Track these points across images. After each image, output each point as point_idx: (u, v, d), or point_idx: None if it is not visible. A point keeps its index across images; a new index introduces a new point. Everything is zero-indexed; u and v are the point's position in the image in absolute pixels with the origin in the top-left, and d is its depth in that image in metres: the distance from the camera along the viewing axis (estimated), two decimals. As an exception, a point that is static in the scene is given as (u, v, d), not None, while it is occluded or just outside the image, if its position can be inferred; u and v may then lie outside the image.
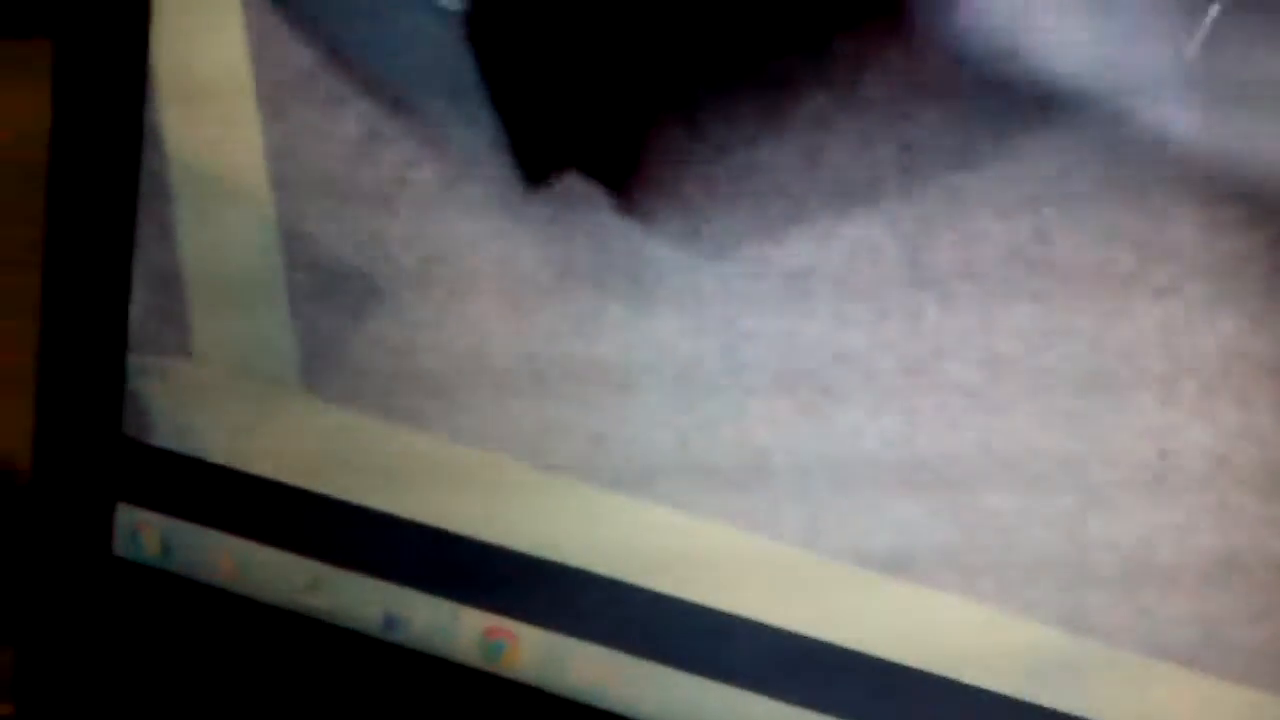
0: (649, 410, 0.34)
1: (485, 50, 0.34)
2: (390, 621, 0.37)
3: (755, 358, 0.34)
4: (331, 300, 0.36)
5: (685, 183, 0.34)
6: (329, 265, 0.37)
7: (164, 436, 0.38)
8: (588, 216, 0.35)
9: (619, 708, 0.36)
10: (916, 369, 0.32)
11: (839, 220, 0.33)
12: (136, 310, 0.38)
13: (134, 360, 0.38)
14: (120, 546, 0.39)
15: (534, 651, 0.36)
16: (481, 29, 0.34)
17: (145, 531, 0.39)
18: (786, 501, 0.34)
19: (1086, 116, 0.32)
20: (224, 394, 0.37)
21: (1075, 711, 0.32)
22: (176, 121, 0.37)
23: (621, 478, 0.35)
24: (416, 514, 0.37)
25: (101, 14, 0.37)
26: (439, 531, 0.36)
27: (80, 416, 0.39)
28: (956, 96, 0.33)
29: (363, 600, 0.37)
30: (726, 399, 0.34)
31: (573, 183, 0.35)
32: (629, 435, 0.35)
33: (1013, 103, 0.33)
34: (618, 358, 0.35)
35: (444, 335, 0.36)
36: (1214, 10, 0.30)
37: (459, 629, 0.37)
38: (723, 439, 0.34)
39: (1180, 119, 0.31)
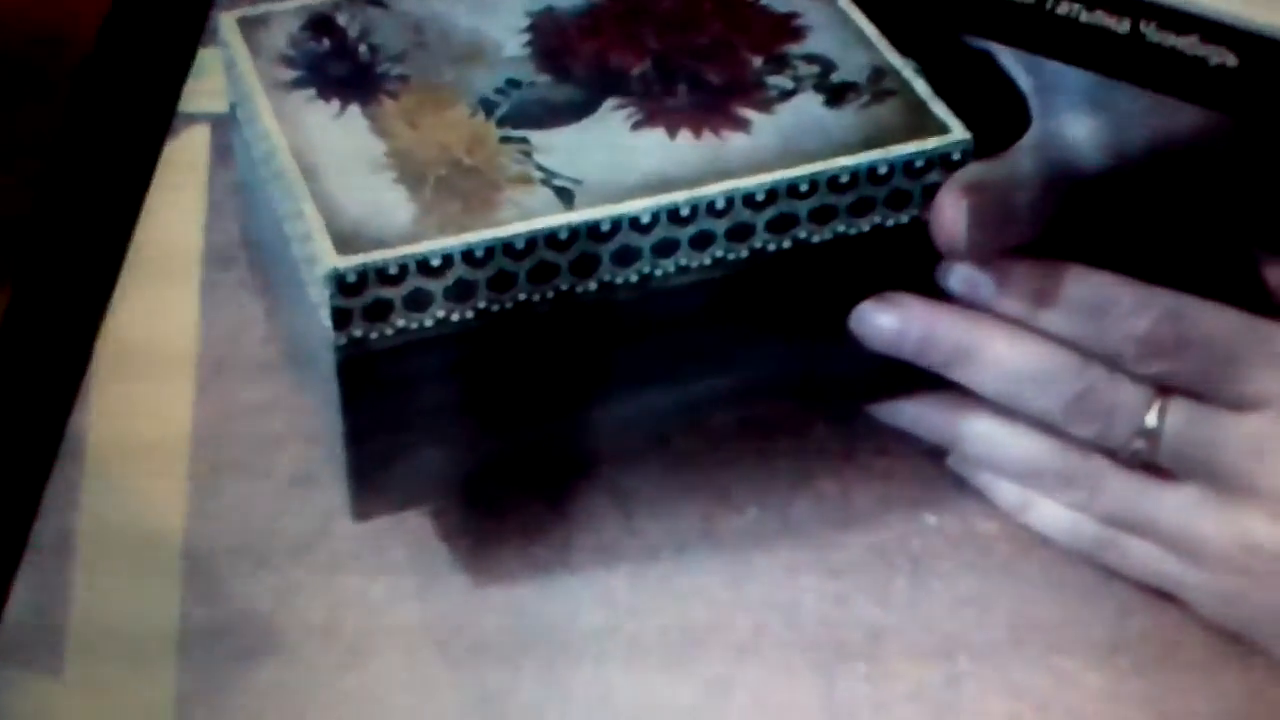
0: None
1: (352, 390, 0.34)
2: None
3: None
4: (223, 648, 0.35)
5: (613, 576, 0.35)
6: (229, 612, 0.35)
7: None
8: (509, 591, 0.35)
9: None
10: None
11: (759, 638, 0.34)
12: (14, 615, 0.35)
13: (-3, 670, 0.35)
14: None
15: None
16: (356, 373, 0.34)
17: None
18: None
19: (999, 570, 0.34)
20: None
21: None
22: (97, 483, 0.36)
23: None
24: None
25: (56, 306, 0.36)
26: None
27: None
28: (883, 530, 0.35)
29: None
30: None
31: (501, 556, 0.35)
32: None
33: (931, 543, 0.34)
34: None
35: (337, 702, 0.34)
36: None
37: None
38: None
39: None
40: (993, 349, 0.34)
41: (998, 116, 0.35)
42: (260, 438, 0.36)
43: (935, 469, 0.35)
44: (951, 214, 0.33)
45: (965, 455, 0.35)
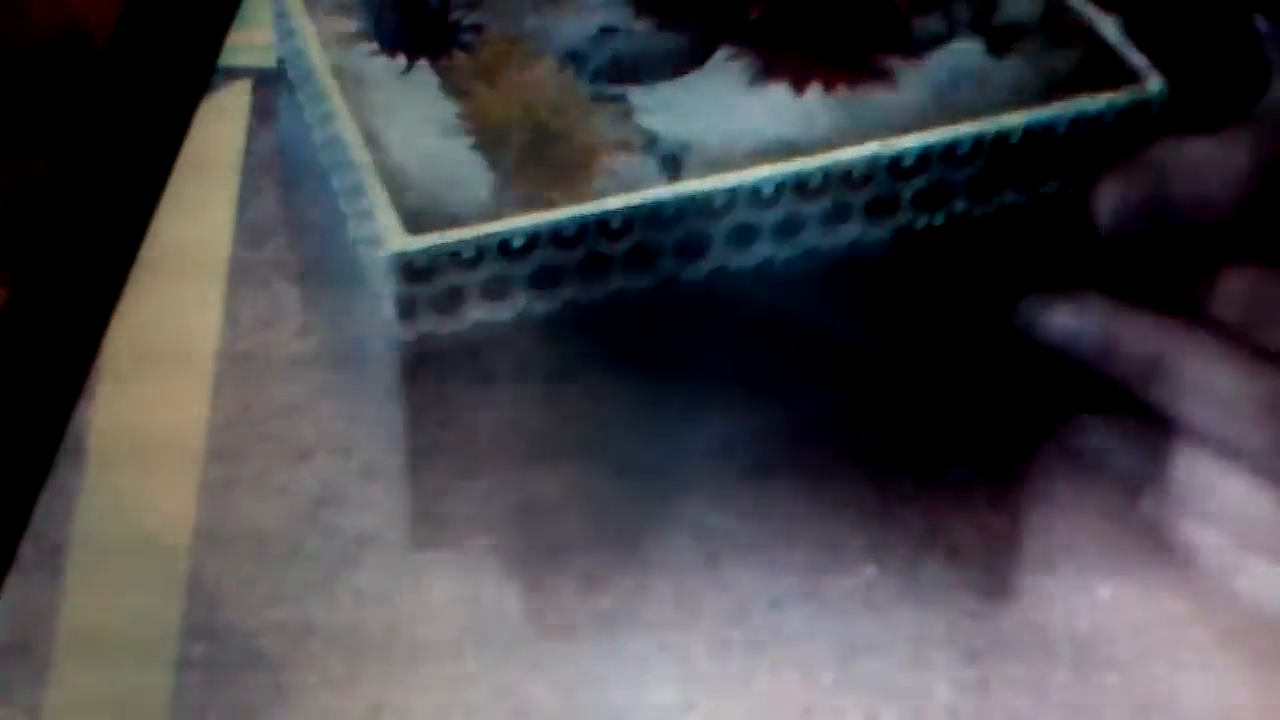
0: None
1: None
2: None
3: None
4: (226, 687, 0.30)
5: (690, 637, 0.29)
6: (235, 642, 0.30)
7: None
8: (563, 647, 0.30)
9: None
10: None
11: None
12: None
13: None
14: None
15: None
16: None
17: None
18: None
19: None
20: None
21: None
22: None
23: None
24: None
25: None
26: None
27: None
28: (1041, 603, 0.29)
29: None
30: None
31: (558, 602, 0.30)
32: None
33: (1105, 622, 0.29)
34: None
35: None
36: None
37: None
38: None
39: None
40: (1196, 364, 0.29)
41: (1220, 69, 0.31)
42: (284, 448, 0.32)
43: (1115, 524, 0.30)
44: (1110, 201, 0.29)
45: (1165, 498, 0.29)
